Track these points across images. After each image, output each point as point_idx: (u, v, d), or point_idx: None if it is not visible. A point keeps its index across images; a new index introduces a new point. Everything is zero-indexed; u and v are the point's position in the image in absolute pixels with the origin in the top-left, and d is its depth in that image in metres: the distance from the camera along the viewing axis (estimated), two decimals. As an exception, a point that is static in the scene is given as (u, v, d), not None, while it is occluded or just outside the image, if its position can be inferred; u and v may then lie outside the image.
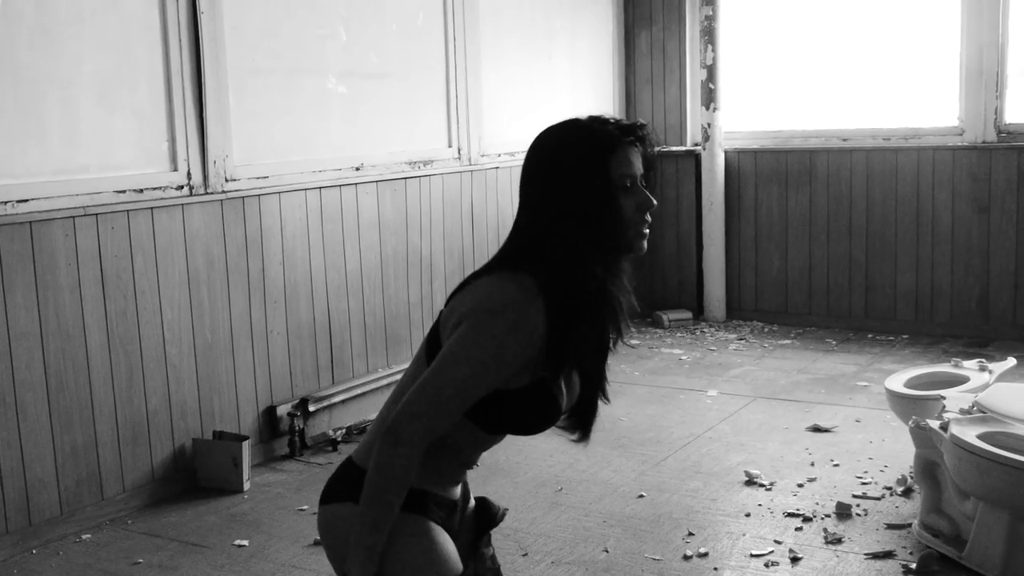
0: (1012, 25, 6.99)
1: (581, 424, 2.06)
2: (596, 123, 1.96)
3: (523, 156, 2.06)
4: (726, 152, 7.88)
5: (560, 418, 2.00)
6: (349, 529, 1.90)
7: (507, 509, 2.19)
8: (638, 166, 1.95)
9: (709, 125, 7.78)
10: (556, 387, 1.93)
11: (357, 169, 5.72)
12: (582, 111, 6.94)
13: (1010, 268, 7.06)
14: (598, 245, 1.92)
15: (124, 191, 4.58)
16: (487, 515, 2.11)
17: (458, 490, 2.06)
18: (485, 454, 2.13)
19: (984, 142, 7.09)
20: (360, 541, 1.86)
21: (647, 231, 1.98)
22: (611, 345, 2.07)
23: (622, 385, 6.39)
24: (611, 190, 1.90)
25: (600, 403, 2.08)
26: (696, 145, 8.02)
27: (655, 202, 1.97)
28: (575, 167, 1.91)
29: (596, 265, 1.95)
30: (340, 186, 5.63)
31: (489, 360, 1.83)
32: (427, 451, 1.90)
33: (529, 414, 1.93)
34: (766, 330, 7.70)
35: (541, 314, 1.85)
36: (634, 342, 7.50)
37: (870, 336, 7.41)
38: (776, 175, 7.78)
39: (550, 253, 1.91)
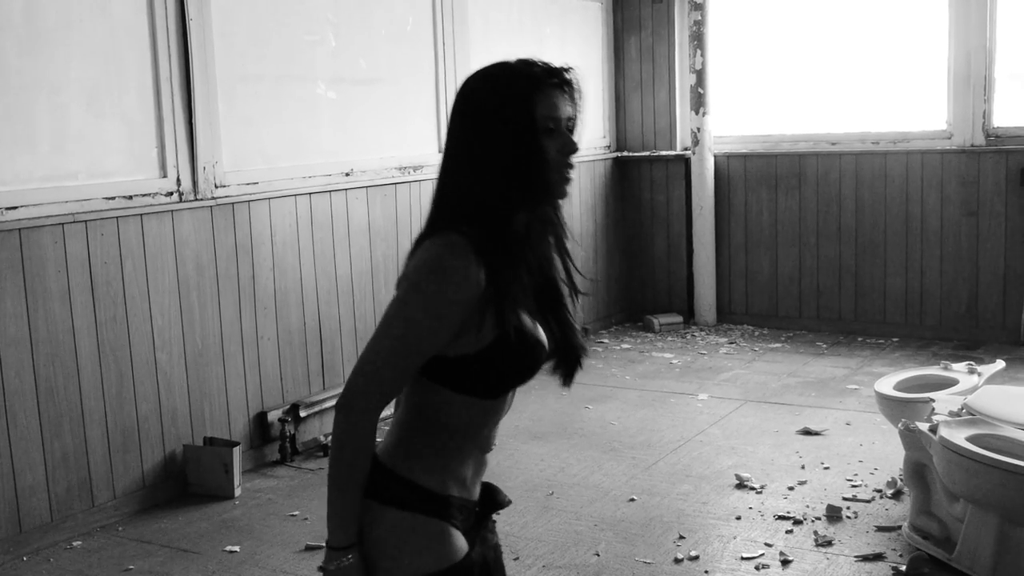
0: (999, 29, 7.02)
1: (564, 367, 2.06)
2: (522, 64, 1.93)
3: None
4: (715, 156, 7.90)
5: (543, 362, 1.99)
6: (366, 527, 1.91)
7: (511, 500, 2.19)
8: (564, 109, 1.92)
9: (699, 129, 7.81)
10: (519, 335, 1.92)
11: (347, 175, 5.73)
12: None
13: (999, 271, 7.09)
14: (520, 189, 1.90)
15: (113, 198, 4.58)
16: (492, 500, 2.11)
17: (478, 488, 2.06)
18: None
19: (972, 146, 7.12)
20: (332, 512, 1.89)
21: (570, 176, 1.95)
22: (563, 290, 2.06)
23: (613, 389, 6.40)
24: (534, 131, 1.88)
25: (580, 348, 2.06)
26: (686, 149, 8.04)
27: (578, 146, 1.94)
28: (496, 108, 1.89)
29: (519, 211, 1.93)
30: (330, 192, 5.63)
31: (423, 319, 1.84)
32: (442, 445, 1.93)
33: (508, 367, 1.92)
34: (756, 334, 7.71)
35: (473, 268, 1.84)
36: (625, 346, 7.51)
37: (860, 339, 7.43)
38: (765, 179, 7.80)
39: (471, 202, 1.90)
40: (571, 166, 1.94)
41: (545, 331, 2.01)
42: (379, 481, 1.93)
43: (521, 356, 1.93)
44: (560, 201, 2.00)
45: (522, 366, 1.94)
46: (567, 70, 1.94)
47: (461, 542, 1.95)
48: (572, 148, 1.93)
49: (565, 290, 2.07)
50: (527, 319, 1.97)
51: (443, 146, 1.99)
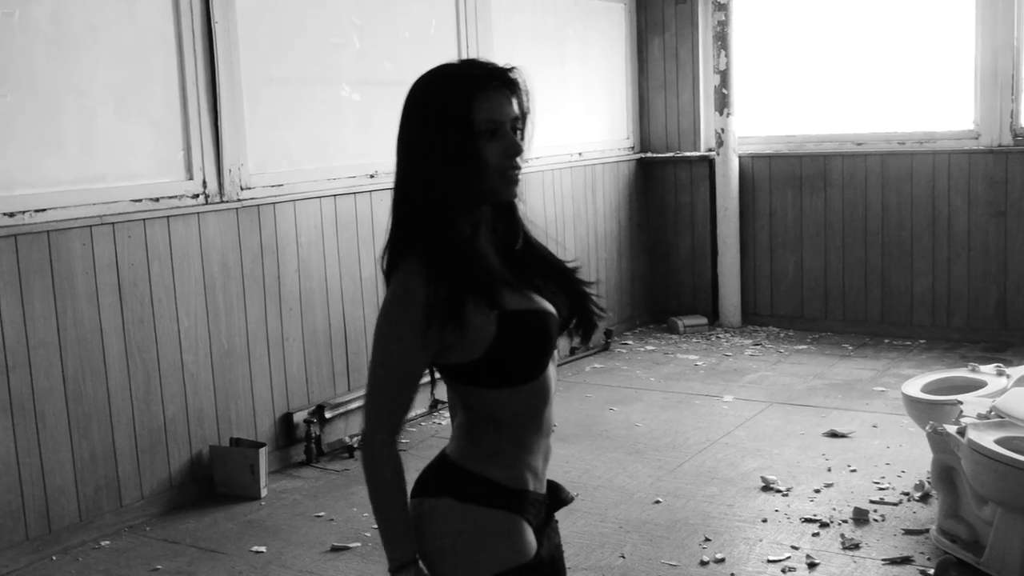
0: (1027, 28, 6.97)
1: (580, 325, 2.07)
2: (463, 66, 1.92)
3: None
4: (740, 157, 7.88)
5: (557, 326, 2.00)
6: (444, 525, 1.94)
7: (576, 494, 2.21)
8: (507, 111, 1.89)
9: (723, 130, 7.78)
10: (519, 313, 1.92)
11: (371, 176, 5.74)
12: (595, 116, 6.91)
13: (1027, 272, 7.03)
14: (459, 194, 1.90)
15: (140, 200, 4.61)
16: (556, 498, 2.13)
17: (544, 481, 2.07)
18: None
19: (1000, 145, 7.06)
20: (383, 538, 1.93)
21: (516, 177, 1.93)
22: (553, 257, 2.08)
23: (638, 391, 6.39)
24: (471, 135, 1.86)
25: (588, 299, 2.08)
26: (710, 150, 8.01)
27: (523, 147, 1.92)
28: (434, 112, 1.88)
29: (460, 215, 1.92)
30: (355, 193, 5.65)
31: (400, 347, 1.88)
32: (506, 439, 1.96)
33: (525, 344, 1.93)
34: (782, 335, 7.68)
35: (429, 284, 1.86)
36: (649, 348, 7.49)
37: (887, 341, 7.39)
38: (790, 180, 7.77)
39: (416, 205, 1.91)
40: (516, 167, 1.91)
41: (551, 300, 2.01)
42: (455, 480, 1.96)
43: (529, 330, 1.93)
44: (513, 201, 1.99)
45: (535, 339, 1.94)
46: (510, 70, 1.91)
47: (532, 538, 1.97)
48: (515, 150, 1.90)
49: (556, 261, 2.07)
50: (525, 297, 1.96)
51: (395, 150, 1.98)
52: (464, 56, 6.36)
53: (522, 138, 1.94)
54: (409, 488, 1.97)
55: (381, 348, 1.91)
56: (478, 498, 1.93)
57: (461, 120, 1.85)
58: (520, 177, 1.94)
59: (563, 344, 7.10)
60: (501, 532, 1.94)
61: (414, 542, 1.93)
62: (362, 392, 5.47)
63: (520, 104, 1.92)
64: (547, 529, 2.07)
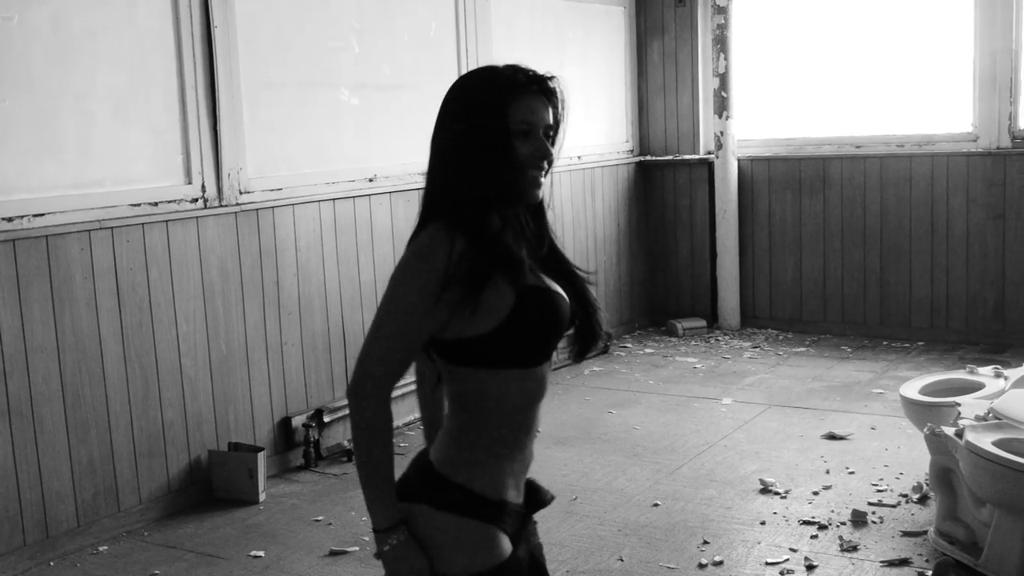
0: (1025, 30, 6.97)
1: (581, 337, 2.10)
2: (507, 69, 1.97)
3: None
4: (739, 160, 7.88)
5: (568, 314, 2.01)
6: (419, 530, 1.95)
7: (554, 496, 2.21)
8: (542, 116, 1.96)
9: (722, 133, 7.79)
10: (536, 291, 1.96)
11: (370, 180, 5.75)
12: (594, 120, 6.92)
13: (1026, 274, 7.03)
14: (491, 189, 1.94)
15: (139, 204, 4.62)
16: (535, 498, 2.13)
17: (523, 481, 2.08)
18: None
19: (999, 148, 7.07)
20: (369, 498, 1.95)
21: (542, 180, 1.99)
22: (570, 264, 2.10)
23: (636, 393, 6.39)
24: (506, 133, 1.92)
25: (598, 317, 2.10)
26: (709, 153, 8.02)
27: (552, 152, 1.97)
28: (472, 110, 1.94)
29: (493, 211, 1.96)
30: (354, 197, 5.66)
31: (415, 299, 1.89)
32: (492, 443, 1.97)
33: (536, 322, 1.95)
34: (780, 338, 7.68)
35: (455, 243, 1.89)
36: (648, 350, 7.49)
37: (885, 343, 7.39)
38: (789, 183, 7.77)
39: (450, 200, 1.94)
40: (543, 170, 1.97)
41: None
42: (435, 487, 1.98)
43: (545, 307, 1.96)
44: (542, 207, 2.04)
45: (550, 317, 1.97)
46: (551, 78, 1.98)
47: (507, 544, 1.99)
48: (545, 153, 1.96)
49: (576, 272, 2.11)
50: (543, 278, 2.00)
51: (431, 138, 2.03)
52: (463, 58, 6.36)
53: (553, 145, 2.00)
54: None
55: (394, 298, 1.91)
56: (455, 507, 1.95)
57: (499, 116, 1.92)
58: (543, 182, 2.00)
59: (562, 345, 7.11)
60: (475, 541, 1.96)
61: (398, 504, 1.95)
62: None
63: (555, 112, 2.00)
64: (524, 532, 2.08)
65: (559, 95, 1.99)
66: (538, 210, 2.06)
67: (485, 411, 1.97)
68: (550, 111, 1.98)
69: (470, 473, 1.97)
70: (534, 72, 1.97)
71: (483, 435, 1.98)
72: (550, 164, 1.98)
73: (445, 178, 1.97)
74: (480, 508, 1.96)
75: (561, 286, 2.05)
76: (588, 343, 2.11)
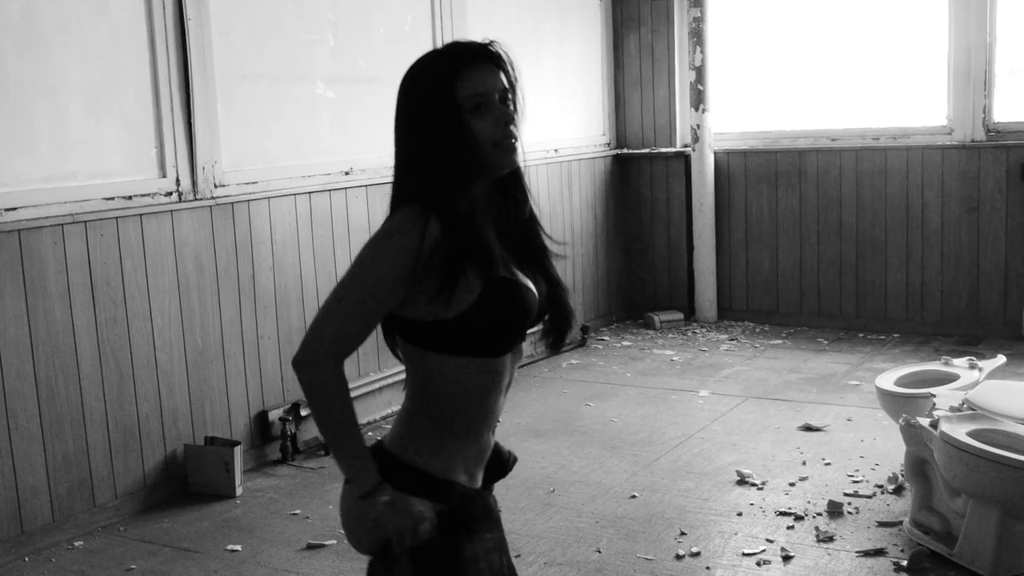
0: (999, 24, 7.01)
1: (554, 328, 2.09)
2: (447, 48, 1.97)
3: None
4: (715, 153, 7.90)
5: (535, 309, 2.01)
6: (355, 509, 1.94)
7: (516, 458, 2.21)
8: (493, 84, 1.94)
9: (698, 126, 7.80)
10: (505, 282, 1.95)
11: (347, 173, 5.73)
12: (571, 113, 6.90)
13: (999, 266, 7.09)
14: (456, 170, 1.93)
15: (113, 198, 4.58)
16: (497, 463, 2.13)
17: (481, 474, 2.08)
18: None
19: (973, 141, 7.11)
20: (342, 465, 1.94)
21: (512, 144, 1.97)
22: (545, 248, 2.10)
23: (614, 386, 6.40)
24: (459, 115, 1.91)
25: (568, 306, 2.11)
26: (685, 146, 8.03)
27: (514, 115, 1.96)
28: (421, 94, 1.94)
29: (464, 188, 1.95)
30: (330, 191, 5.64)
31: (375, 273, 1.89)
32: (446, 426, 1.97)
33: (501, 314, 1.94)
34: (757, 330, 7.71)
35: (424, 223, 1.88)
36: (626, 343, 7.51)
37: (861, 335, 7.43)
38: (766, 176, 7.80)
39: (419, 185, 1.94)
40: (511, 136, 1.95)
41: (535, 286, 2.04)
42: (385, 468, 1.96)
43: (512, 301, 1.95)
44: (513, 170, 2.02)
45: (516, 312, 1.96)
46: (490, 44, 1.97)
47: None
48: (507, 118, 1.94)
49: (546, 249, 2.10)
50: (508, 271, 1.99)
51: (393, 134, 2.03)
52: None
53: (515, 108, 1.98)
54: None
55: (358, 274, 1.90)
56: (402, 486, 1.94)
57: (445, 98, 1.91)
58: (517, 145, 1.98)
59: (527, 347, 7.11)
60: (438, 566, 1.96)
61: (375, 464, 1.93)
62: (358, 382, 5.48)
63: (508, 76, 1.97)
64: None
65: (505, 57, 1.97)
66: (515, 176, 2.04)
67: (440, 395, 1.97)
68: (501, 76, 1.96)
69: (418, 454, 1.97)
70: (473, 43, 1.96)
71: (436, 419, 1.98)
72: (516, 126, 1.97)
73: (410, 164, 1.97)
74: (426, 486, 1.95)
75: (530, 266, 2.04)
76: (562, 328, 2.10)
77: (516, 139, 1.97)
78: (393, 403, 5.78)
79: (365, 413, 5.59)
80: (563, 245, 2.18)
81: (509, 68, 1.98)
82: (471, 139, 1.92)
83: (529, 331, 2.06)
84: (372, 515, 1.91)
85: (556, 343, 2.12)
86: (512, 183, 2.05)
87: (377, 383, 5.71)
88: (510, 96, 1.97)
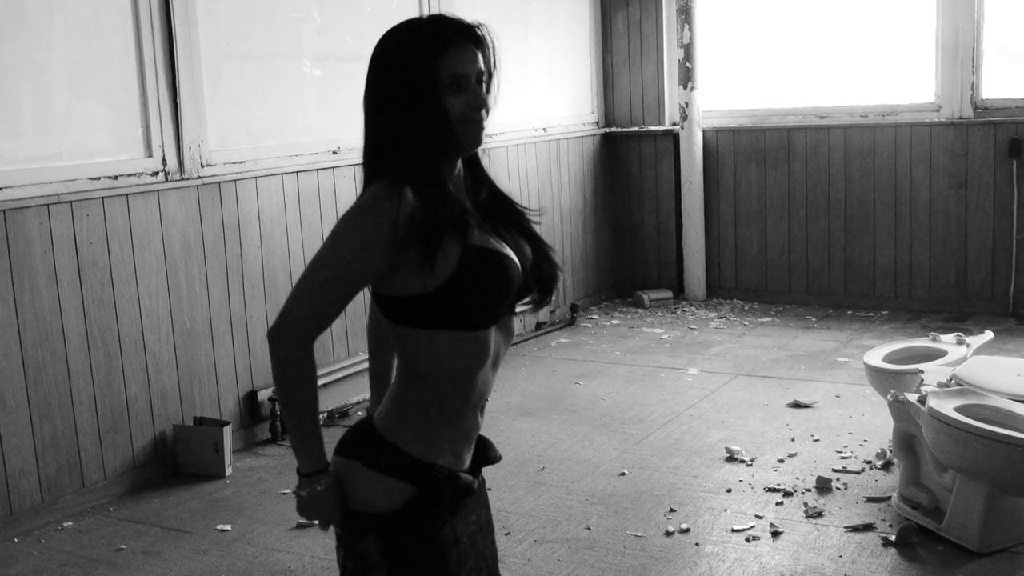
0: (987, 1, 7.00)
1: (540, 284, 2.08)
2: (430, 22, 1.95)
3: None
4: (704, 131, 7.89)
5: (517, 276, 1.99)
6: (354, 485, 1.97)
7: (500, 457, 2.22)
8: (472, 66, 1.94)
9: (687, 104, 7.79)
10: (483, 252, 1.94)
11: (334, 153, 5.70)
12: (559, 91, 6.85)
13: (987, 243, 7.10)
14: (426, 145, 1.93)
15: (99, 178, 4.56)
16: (483, 456, 2.14)
17: (470, 455, 2.07)
18: None
19: (961, 118, 7.11)
20: (294, 440, 1.98)
21: (481, 124, 1.96)
22: (522, 212, 2.10)
23: (603, 364, 6.41)
24: (437, 92, 1.91)
25: (553, 262, 2.10)
26: (674, 124, 8.02)
27: (487, 100, 1.96)
28: (399, 68, 1.92)
29: (433, 164, 1.94)
30: (317, 170, 5.61)
31: (351, 247, 1.88)
32: (434, 405, 1.97)
33: (482, 284, 1.93)
34: (746, 308, 7.72)
35: (399, 197, 1.88)
36: (615, 322, 7.51)
37: (849, 312, 7.45)
38: (754, 153, 7.79)
39: (389, 156, 1.94)
40: (480, 118, 1.95)
41: (516, 252, 2.02)
42: (369, 445, 1.98)
43: (491, 268, 1.94)
44: (476, 154, 2.04)
45: (496, 280, 1.95)
46: (477, 26, 1.96)
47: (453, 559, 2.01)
48: (479, 102, 1.94)
49: (522, 213, 2.09)
50: (491, 239, 1.98)
51: (363, 100, 2.00)
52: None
53: (487, 93, 1.98)
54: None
55: (334, 249, 1.90)
56: (385, 467, 1.96)
57: (426, 73, 1.90)
58: (484, 126, 1.98)
59: (530, 319, 7.11)
60: (392, 495, 1.97)
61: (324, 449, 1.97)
62: (327, 370, 5.49)
63: (486, 60, 1.97)
64: (471, 500, 2.08)
65: (488, 41, 1.97)
66: (472, 158, 2.05)
67: (424, 372, 1.96)
68: (480, 59, 1.95)
69: (403, 433, 1.97)
70: (460, 22, 1.95)
71: (422, 397, 1.97)
72: (487, 112, 1.96)
73: (383, 137, 1.96)
74: (409, 470, 1.96)
75: (512, 234, 2.04)
76: (549, 283, 2.09)
77: (484, 120, 1.97)
78: (363, 390, 5.76)
79: (337, 399, 5.54)
80: (538, 212, 2.17)
81: (490, 53, 1.97)
82: (446, 115, 1.92)
83: (519, 306, 2.06)
84: (303, 494, 1.97)
85: (542, 298, 2.10)
86: (471, 166, 2.06)
87: (348, 369, 5.64)
88: (485, 80, 1.97)
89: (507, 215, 2.07)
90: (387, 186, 1.90)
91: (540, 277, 2.07)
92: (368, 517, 1.97)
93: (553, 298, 2.16)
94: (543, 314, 7.28)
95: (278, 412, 5.26)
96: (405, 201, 1.88)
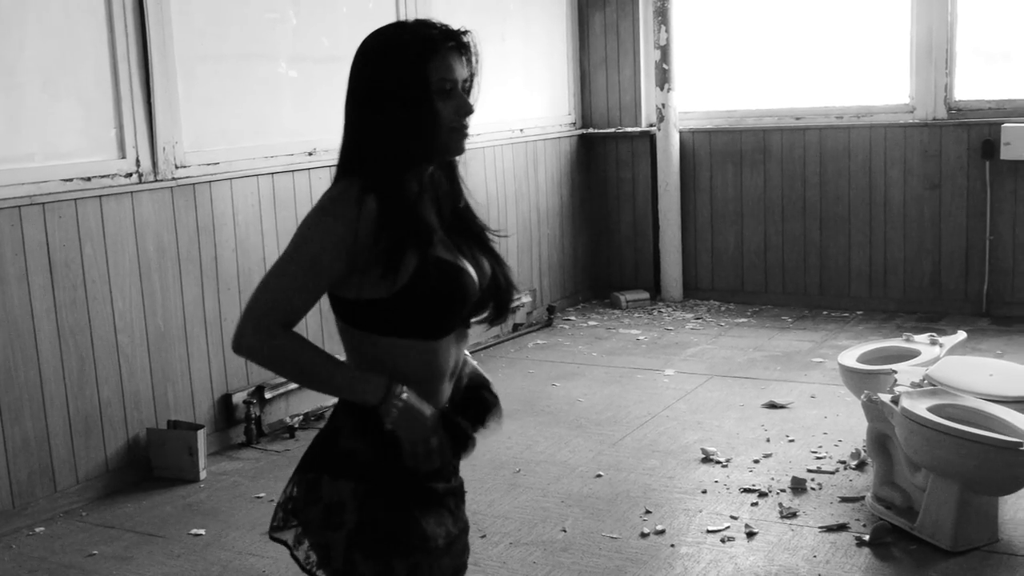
0: (960, 3, 7.05)
1: (495, 302, 2.09)
2: (419, 26, 1.97)
3: (476, 138, 2.08)
4: (681, 132, 7.91)
5: (472, 290, 2.00)
6: (331, 498, 1.98)
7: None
8: (460, 71, 1.97)
9: (664, 105, 7.80)
10: (440, 264, 1.95)
11: (310, 154, 5.68)
12: (536, 92, 6.85)
13: (961, 244, 7.15)
14: (413, 148, 1.95)
15: (71, 179, 4.52)
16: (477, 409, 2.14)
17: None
18: None
19: (935, 119, 7.16)
20: (344, 394, 1.96)
21: (466, 132, 2.00)
22: (483, 229, 2.11)
23: (580, 366, 6.41)
24: (429, 94, 1.93)
25: (509, 280, 2.11)
26: (651, 126, 8.03)
27: (474, 107, 1.99)
28: (392, 70, 1.94)
29: (410, 172, 1.97)
30: (293, 171, 5.59)
31: (310, 249, 1.90)
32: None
33: (436, 295, 1.94)
34: (722, 309, 7.74)
35: (360, 201, 1.89)
36: (591, 323, 7.52)
37: (825, 313, 7.48)
38: (731, 155, 7.82)
39: (370, 157, 1.95)
40: (466, 126, 1.99)
41: (476, 267, 2.04)
42: (331, 456, 1.98)
43: (447, 279, 1.95)
44: (457, 158, 2.06)
45: (450, 291, 1.96)
46: (464, 32, 1.98)
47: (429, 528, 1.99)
48: (467, 110, 1.97)
49: (484, 229, 2.12)
50: (448, 253, 2.00)
51: (344, 103, 2.01)
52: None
53: (469, 97, 2.01)
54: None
55: (297, 248, 1.92)
56: (347, 472, 1.96)
57: (420, 77, 1.92)
58: (468, 134, 2.01)
59: (508, 325, 7.10)
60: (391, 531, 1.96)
61: (368, 372, 1.94)
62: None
63: (471, 66, 2.00)
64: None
65: (473, 48, 1.99)
66: (450, 165, 2.07)
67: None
68: (466, 66, 1.98)
69: (357, 439, 1.97)
70: (448, 27, 1.97)
71: None
72: (470, 119, 2.00)
73: (364, 139, 1.97)
74: (360, 468, 1.96)
75: (472, 250, 2.05)
76: (503, 301, 2.09)
77: (468, 128, 2.00)
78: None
79: (315, 400, 5.53)
80: (502, 233, 2.19)
81: (475, 59, 2.00)
82: (437, 120, 1.94)
83: (476, 319, 2.07)
84: (392, 416, 1.92)
85: (497, 315, 2.11)
86: (447, 174, 2.08)
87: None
88: (468, 86, 2.00)
89: (471, 230, 2.09)
90: (351, 188, 1.91)
91: (497, 294, 2.08)
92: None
93: (508, 316, 2.17)
94: (520, 316, 7.27)
95: (253, 415, 5.23)
96: (367, 210, 1.89)
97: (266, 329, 1.90)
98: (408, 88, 1.92)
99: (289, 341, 1.91)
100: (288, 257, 1.92)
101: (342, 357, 2.02)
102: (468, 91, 1.99)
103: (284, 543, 2.03)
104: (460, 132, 1.98)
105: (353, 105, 1.99)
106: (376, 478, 1.95)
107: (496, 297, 2.08)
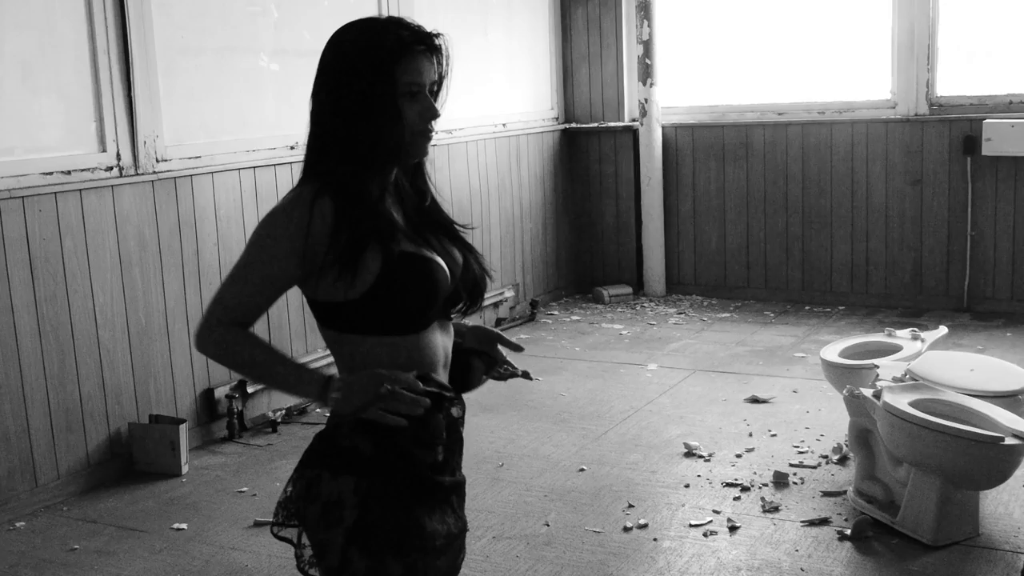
0: (942, 0, 7.09)
1: (468, 292, 2.09)
2: (391, 25, 1.95)
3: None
4: (663, 127, 7.91)
5: (444, 282, 2.00)
6: (330, 493, 1.96)
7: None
8: (428, 74, 1.95)
9: (646, 100, 7.80)
10: (407, 258, 1.95)
11: (292, 148, 5.66)
12: (519, 87, 6.84)
13: (942, 239, 7.18)
14: (376, 148, 1.93)
15: (51, 173, 4.49)
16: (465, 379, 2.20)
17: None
18: None
19: (916, 115, 7.18)
20: (289, 389, 1.99)
21: (430, 136, 2.00)
22: (451, 222, 2.12)
23: (563, 360, 6.41)
24: (394, 97, 1.92)
25: (481, 270, 2.11)
26: (634, 121, 8.04)
27: (439, 112, 1.98)
28: (360, 69, 1.92)
29: (372, 175, 1.96)
30: (275, 165, 5.57)
31: (261, 254, 1.93)
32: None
33: (406, 289, 1.94)
34: (705, 304, 7.76)
35: (313, 205, 1.89)
36: (574, 318, 7.52)
37: (807, 308, 7.50)
38: (713, 150, 7.83)
39: (334, 154, 1.94)
40: (431, 129, 1.98)
41: (446, 258, 2.03)
42: (328, 453, 1.97)
43: (416, 273, 1.95)
44: (423, 160, 2.06)
45: (421, 284, 1.96)
46: (437, 36, 1.96)
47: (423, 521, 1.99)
48: (433, 114, 1.96)
49: (452, 221, 2.12)
50: (414, 246, 1.99)
51: (311, 97, 2.00)
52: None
53: (436, 101, 2.00)
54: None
55: (252, 250, 1.94)
56: (348, 469, 1.95)
57: (387, 79, 1.90)
58: (432, 137, 2.00)
59: (490, 314, 7.10)
60: (385, 516, 1.95)
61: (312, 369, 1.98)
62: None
63: (440, 69, 1.98)
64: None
65: (444, 51, 1.98)
66: (418, 164, 2.07)
67: None
68: (435, 68, 1.97)
69: (349, 438, 1.96)
70: (420, 29, 1.95)
71: None
72: (436, 122, 2.00)
73: (327, 138, 1.96)
74: (359, 465, 1.95)
75: (442, 243, 2.05)
76: (476, 289, 2.10)
77: (433, 131, 1.99)
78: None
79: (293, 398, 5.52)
80: (470, 226, 2.19)
81: (445, 62, 1.99)
82: (401, 123, 1.93)
83: (454, 308, 2.07)
84: (335, 401, 1.92)
85: (471, 303, 2.11)
86: (415, 173, 2.08)
87: (325, 359, 5.65)
88: (436, 89, 1.99)
89: (438, 222, 2.08)
90: (306, 192, 1.92)
91: (469, 282, 2.08)
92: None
93: (482, 303, 2.17)
94: (503, 310, 7.27)
95: (235, 410, 5.22)
96: (321, 213, 1.89)
97: (219, 324, 1.94)
98: (374, 88, 1.90)
99: (238, 336, 1.94)
100: (242, 262, 1.95)
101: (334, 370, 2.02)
102: (436, 94, 1.98)
103: (289, 541, 2.00)
104: (424, 135, 1.97)
105: (318, 102, 1.97)
106: (378, 474, 1.94)
107: (470, 285, 2.08)
